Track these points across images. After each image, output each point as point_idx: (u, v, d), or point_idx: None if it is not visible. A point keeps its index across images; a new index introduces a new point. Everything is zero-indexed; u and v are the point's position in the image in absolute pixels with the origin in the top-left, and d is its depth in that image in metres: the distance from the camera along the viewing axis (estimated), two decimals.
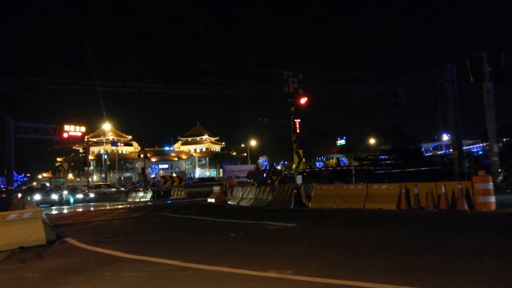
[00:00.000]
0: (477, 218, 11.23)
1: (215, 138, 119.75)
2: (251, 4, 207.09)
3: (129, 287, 5.80)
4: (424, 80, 24.92)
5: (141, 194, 36.88)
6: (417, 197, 13.55)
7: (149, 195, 35.01)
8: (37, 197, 31.46)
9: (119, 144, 72.93)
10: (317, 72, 25.14)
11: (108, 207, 26.42)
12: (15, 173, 43.76)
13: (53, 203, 31.73)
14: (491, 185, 12.41)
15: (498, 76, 21.08)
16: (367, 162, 30.60)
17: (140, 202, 32.50)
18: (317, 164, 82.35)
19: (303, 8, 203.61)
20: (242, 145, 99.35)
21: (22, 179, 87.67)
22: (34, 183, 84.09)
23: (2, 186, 44.07)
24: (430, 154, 59.94)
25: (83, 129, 38.34)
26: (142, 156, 44.76)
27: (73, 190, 39.94)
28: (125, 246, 9.13)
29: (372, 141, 76.26)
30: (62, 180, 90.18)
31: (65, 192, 35.87)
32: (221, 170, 63.75)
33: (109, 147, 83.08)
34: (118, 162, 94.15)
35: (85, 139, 46.22)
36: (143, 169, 46.00)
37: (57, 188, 42.66)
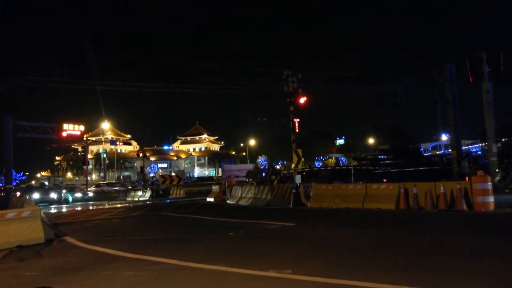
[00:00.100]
0: (476, 218, 11.24)
1: (214, 138, 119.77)
2: (251, 4, 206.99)
3: (128, 286, 5.79)
4: (424, 80, 24.97)
5: (140, 193, 36.83)
6: (416, 197, 13.55)
7: (148, 194, 34.96)
8: (36, 195, 31.40)
9: (118, 143, 72.92)
10: (317, 72, 25.14)
11: (107, 206, 26.39)
12: (13, 171, 43.74)
13: (52, 202, 31.68)
14: (489, 185, 12.43)
15: (497, 76, 21.11)
16: (366, 162, 30.63)
17: (139, 201, 32.46)
18: (316, 163, 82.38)
19: (303, 8, 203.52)
20: (241, 145, 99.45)
21: (20, 178, 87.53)
22: (33, 182, 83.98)
23: (1, 184, 44.01)
24: (429, 154, 60.00)
25: (82, 128, 38.34)
26: (141, 155, 44.69)
27: (71, 189, 39.89)
28: (124, 245, 9.12)
29: (371, 140, 76.32)
30: (60, 179, 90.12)
31: (63, 191, 35.82)
32: (220, 169, 63.70)
33: (108, 146, 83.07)
34: (117, 161, 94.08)
35: (84, 138, 46.24)
36: (142, 168, 45.87)
37: (56, 187, 42.59)
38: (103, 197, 38.88)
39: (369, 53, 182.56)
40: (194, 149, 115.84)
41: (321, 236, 9.75)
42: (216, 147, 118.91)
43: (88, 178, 52.56)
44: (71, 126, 36.87)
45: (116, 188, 45.58)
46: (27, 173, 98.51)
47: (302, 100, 20.18)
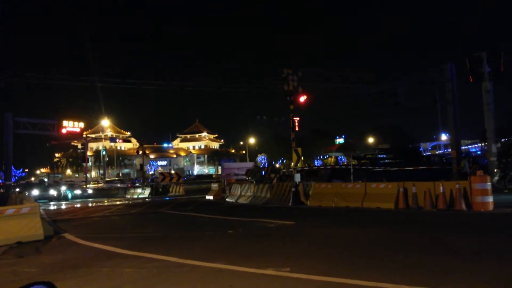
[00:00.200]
0: (475, 218, 11.25)
1: (214, 136, 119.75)
2: (251, 4, 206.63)
3: (126, 283, 5.79)
4: (424, 80, 24.95)
5: (139, 190, 36.86)
6: (415, 197, 13.56)
7: (147, 192, 34.96)
8: (35, 192, 31.42)
9: (117, 140, 72.67)
10: (317, 71, 25.04)
11: (106, 203, 26.39)
12: (13, 168, 43.72)
13: (51, 199, 31.69)
14: (489, 185, 12.44)
15: (497, 76, 21.11)
16: (365, 161, 30.61)
17: (138, 198, 32.46)
18: (316, 162, 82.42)
19: (303, 8, 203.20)
20: (241, 143, 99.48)
21: (20, 175, 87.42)
22: (32, 179, 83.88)
23: (0, 181, 44.00)
24: (429, 153, 60.05)
25: (81, 125, 38.21)
26: (140, 152, 44.74)
27: (71, 186, 39.88)
28: (123, 242, 9.13)
29: (371, 140, 76.34)
30: (60, 175, 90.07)
31: (63, 188, 35.80)
32: (219, 167, 63.73)
33: (107, 143, 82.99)
34: (117, 159, 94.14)
35: (84, 135, 46.15)
36: (142, 165, 45.95)
37: (55, 184, 42.59)
38: (102, 194, 38.92)
39: (369, 53, 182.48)
40: (193, 147, 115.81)
41: (320, 234, 9.76)
42: (215, 145, 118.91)
43: (88, 175, 52.56)
44: (71, 123, 36.77)
45: (122, 185, 46.41)
46: (27, 170, 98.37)
47: (302, 98, 20.16)
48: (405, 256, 6.69)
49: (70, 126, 36.62)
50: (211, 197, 26.05)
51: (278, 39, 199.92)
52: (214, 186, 27.95)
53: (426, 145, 74.52)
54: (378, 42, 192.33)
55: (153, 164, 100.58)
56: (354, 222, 11.75)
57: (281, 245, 8.41)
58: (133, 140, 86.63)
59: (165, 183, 35.25)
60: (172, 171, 62.72)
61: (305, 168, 31.95)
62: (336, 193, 16.19)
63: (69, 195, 34.50)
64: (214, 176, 69.62)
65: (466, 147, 58.10)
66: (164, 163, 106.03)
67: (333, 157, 78.36)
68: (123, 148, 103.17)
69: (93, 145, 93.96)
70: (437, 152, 67.91)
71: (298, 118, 20.52)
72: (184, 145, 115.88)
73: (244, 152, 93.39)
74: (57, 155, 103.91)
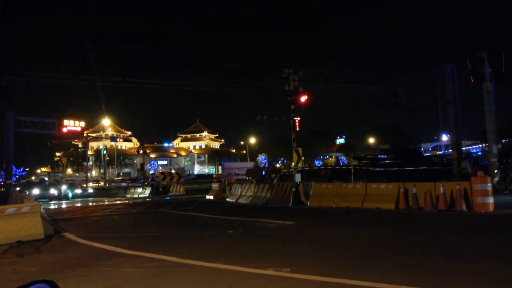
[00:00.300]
0: (476, 219, 11.24)
1: (215, 135, 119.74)
2: (251, 4, 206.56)
3: (126, 283, 5.78)
4: (424, 80, 24.91)
5: (139, 190, 36.87)
6: (416, 197, 13.55)
7: (147, 191, 34.98)
8: (36, 191, 31.42)
9: (118, 139, 72.61)
10: (317, 71, 25.01)
11: (106, 203, 26.39)
12: (14, 167, 43.76)
13: (51, 198, 31.70)
14: (489, 186, 12.43)
15: (498, 77, 21.07)
16: (366, 162, 30.59)
17: (138, 198, 32.47)
18: (316, 162, 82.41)
19: (303, 8, 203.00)
20: (242, 143, 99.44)
21: (20, 173, 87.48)
22: (33, 178, 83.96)
23: (1, 180, 44.01)
24: (429, 154, 59.97)
25: (82, 124, 38.22)
26: (141, 152, 44.71)
27: (71, 185, 39.89)
28: (123, 242, 9.13)
29: (371, 140, 76.39)
30: (60, 175, 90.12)
31: (63, 187, 35.81)
32: (220, 167, 63.73)
33: (108, 143, 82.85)
34: (117, 158, 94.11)
35: (85, 134, 46.09)
36: (142, 165, 45.91)
37: (56, 183, 42.61)
38: (103, 193, 38.91)
39: (369, 53, 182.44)
40: (194, 146, 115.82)
41: (321, 235, 9.75)
42: (216, 144, 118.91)
43: (88, 174, 52.59)
44: (71, 122, 36.78)
45: (128, 184, 46.91)
46: (27, 169, 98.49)
47: (303, 98, 20.14)
48: (405, 256, 6.69)
49: (71, 125, 36.63)
50: (211, 197, 26.04)
51: (278, 39, 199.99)
52: (215, 186, 27.94)
53: (427, 145, 74.37)
54: (378, 42, 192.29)
55: (153, 164, 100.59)
56: (354, 223, 11.74)
57: (281, 245, 8.41)
58: (134, 139, 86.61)
59: (166, 182, 35.26)
60: (173, 171, 62.77)
61: (306, 168, 31.96)
62: (336, 193, 16.19)
63: (70, 194, 34.52)
64: (214, 175, 69.64)
65: (467, 147, 58.02)
66: (165, 162, 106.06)
67: (333, 157, 78.41)
68: (123, 148, 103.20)
69: (93, 144, 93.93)
70: (437, 152, 67.83)
71: (299, 118, 20.51)
72: (184, 144, 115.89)
73: (244, 152, 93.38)
74: (57, 154, 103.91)
